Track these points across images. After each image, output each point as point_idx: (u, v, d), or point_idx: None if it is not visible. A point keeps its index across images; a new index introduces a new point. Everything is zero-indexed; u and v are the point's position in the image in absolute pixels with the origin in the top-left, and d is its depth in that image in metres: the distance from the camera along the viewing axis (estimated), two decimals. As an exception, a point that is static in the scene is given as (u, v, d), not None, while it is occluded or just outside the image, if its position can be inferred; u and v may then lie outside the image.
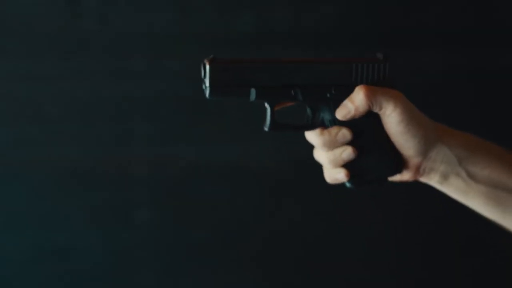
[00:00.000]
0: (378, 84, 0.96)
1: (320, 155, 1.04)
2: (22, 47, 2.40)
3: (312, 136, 1.03)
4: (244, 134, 2.35)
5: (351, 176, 1.01)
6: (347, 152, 1.01)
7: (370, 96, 0.95)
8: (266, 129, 0.99)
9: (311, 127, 1.00)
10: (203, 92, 0.98)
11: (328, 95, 0.96)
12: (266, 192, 2.32)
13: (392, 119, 0.97)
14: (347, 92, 0.97)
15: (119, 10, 2.38)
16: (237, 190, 2.35)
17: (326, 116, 0.97)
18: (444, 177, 1.02)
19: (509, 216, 1.03)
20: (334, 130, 1.00)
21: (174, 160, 2.38)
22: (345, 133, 1.00)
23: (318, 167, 1.06)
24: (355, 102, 0.98)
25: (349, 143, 1.01)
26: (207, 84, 0.92)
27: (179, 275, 2.40)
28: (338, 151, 1.01)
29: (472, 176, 0.99)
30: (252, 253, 2.35)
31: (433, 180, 1.03)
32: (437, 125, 1.03)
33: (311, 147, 1.05)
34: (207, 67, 0.90)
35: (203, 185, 2.36)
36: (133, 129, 2.39)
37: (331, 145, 1.01)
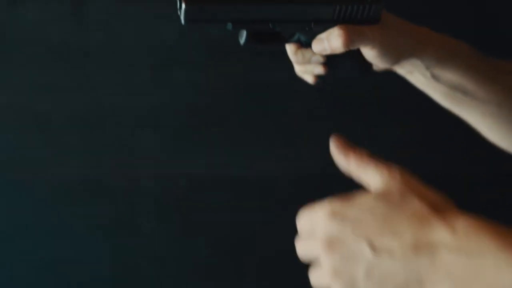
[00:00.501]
0: (361, 23, 0.94)
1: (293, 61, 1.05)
2: (28, 58, 2.41)
3: (288, 50, 1.04)
4: (250, 146, 2.35)
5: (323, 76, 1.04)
6: (319, 69, 1.03)
7: (348, 43, 0.93)
8: (241, 42, 0.97)
9: (286, 41, 0.98)
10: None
11: (306, 28, 0.94)
12: (271, 204, 2.32)
13: (369, 54, 0.98)
14: (327, 27, 0.94)
15: (125, 22, 2.38)
16: (241, 202, 2.35)
17: (302, 38, 0.95)
18: (410, 73, 1.05)
19: (464, 114, 1.09)
20: (308, 53, 1.00)
21: (180, 172, 2.38)
22: (318, 58, 1.01)
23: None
24: (332, 44, 0.95)
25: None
26: (182, 21, 0.90)
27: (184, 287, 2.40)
28: (310, 66, 1.04)
29: (434, 77, 1.02)
30: (257, 265, 2.34)
31: (398, 71, 1.07)
32: (417, 34, 1.01)
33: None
34: (183, 6, 0.89)
35: (209, 196, 2.36)
36: (140, 140, 2.39)
37: (305, 63, 1.02)
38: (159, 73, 2.40)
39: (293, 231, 0.76)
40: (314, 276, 0.74)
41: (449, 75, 1.02)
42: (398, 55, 0.98)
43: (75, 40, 2.40)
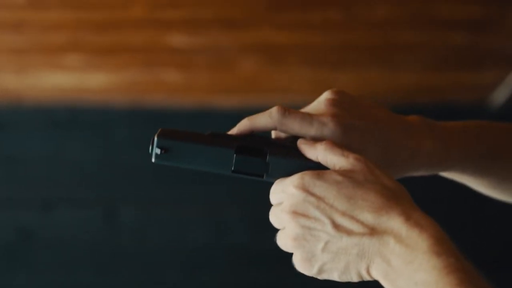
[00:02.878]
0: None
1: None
2: (61, 260, 2.50)
3: None
4: None
5: None
6: None
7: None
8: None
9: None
10: None
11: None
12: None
13: None
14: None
15: (155, 226, 2.47)
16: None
17: None
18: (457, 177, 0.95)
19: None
20: None
21: None
22: None
23: None
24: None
25: None
26: (153, 159, 0.86)
27: None
28: None
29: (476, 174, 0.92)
30: None
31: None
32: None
33: None
34: (155, 140, 0.85)
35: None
36: None
37: None
38: (188, 275, 2.48)
39: None
40: (279, 239, 0.77)
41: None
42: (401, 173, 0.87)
43: (106, 243, 2.51)
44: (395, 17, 2.02)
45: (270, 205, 0.81)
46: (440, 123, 0.90)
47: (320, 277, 0.77)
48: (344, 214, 0.74)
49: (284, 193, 0.77)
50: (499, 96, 2.57)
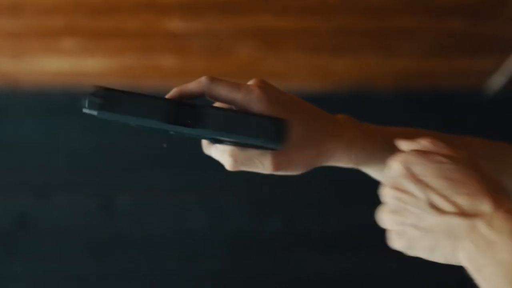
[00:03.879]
0: (261, 148, 0.86)
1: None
2: (58, 247, 2.49)
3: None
4: None
5: None
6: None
7: (234, 168, 0.86)
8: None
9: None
10: None
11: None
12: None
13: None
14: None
15: (152, 212, 2.47)
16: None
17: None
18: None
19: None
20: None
21: None
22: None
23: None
24: (223, 162, 0.88)
25: None
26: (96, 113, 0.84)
27: None
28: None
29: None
30: None
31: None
32: (323, 144, 0.91)
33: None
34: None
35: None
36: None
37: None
38: (187, 262, 2.48)
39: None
40: (379, 213, 0.81)
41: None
42: (304, 167, 0.89)
43: (103, 230, 2.50)
44: (393, 3, 2.02)
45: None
46: (367, 123, 0.94)
47: (409, 253, 0.80)
48: (440, 193, 0.77)
49: (393, 171, 0.81)
50: (495, 83, 2.57)
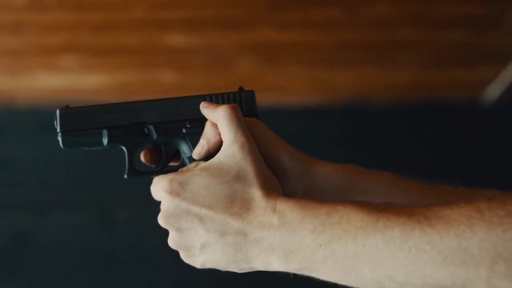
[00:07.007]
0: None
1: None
2: (57, 264, 2.47)
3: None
4: None
5: None
6: None
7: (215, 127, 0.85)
8: (125, 176, 0.88)
9: (171, 170, 0.88)
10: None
11: (183, 130, 0.88)
12: None
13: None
14: (203, 124, 0.87)
15: (151, 226, 2.44)
16: None
17: (185, 151, 0.88)
18: None
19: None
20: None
21: None
22: None
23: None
24: (205, 136, 0.86)
25: None
26: (58, 129, 0.87)
27: None
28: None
29: None
30: None
31: None
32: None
33: None
34: (57, 113, 0.86)
35: None
36: None
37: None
38: (184, 277, 2.45)
39: None
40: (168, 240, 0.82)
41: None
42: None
43: (101, 245, 2.49)
44: (392, 15, 2.03)
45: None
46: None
47: (207, 267, 0.81)
48: (214, 216, 0.77)
49: (159, 194, 0.80)
50: (492, 93, 2.59)
